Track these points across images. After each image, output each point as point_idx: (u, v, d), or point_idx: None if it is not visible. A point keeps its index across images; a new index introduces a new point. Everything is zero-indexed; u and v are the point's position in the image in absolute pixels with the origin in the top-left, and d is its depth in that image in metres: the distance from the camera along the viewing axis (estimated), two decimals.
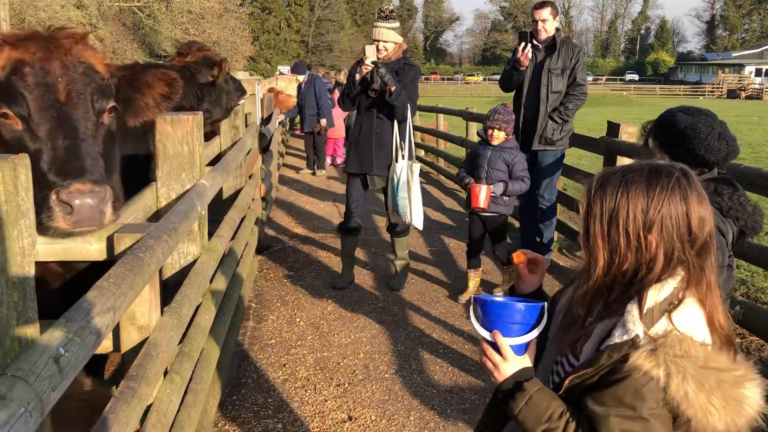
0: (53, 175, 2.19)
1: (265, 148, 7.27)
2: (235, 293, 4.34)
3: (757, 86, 56.78)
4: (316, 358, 4.30)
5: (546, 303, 1.61)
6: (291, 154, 15.10)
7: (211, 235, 3.70)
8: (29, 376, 1.18)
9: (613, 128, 5.81)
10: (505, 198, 5.21)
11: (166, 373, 2.51)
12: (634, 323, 1.39)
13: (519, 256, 1.78)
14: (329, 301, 5.34)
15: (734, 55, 77.03)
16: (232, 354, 4.18)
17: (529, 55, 5.70)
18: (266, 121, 9.23)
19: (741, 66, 69.20)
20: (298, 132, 17.90)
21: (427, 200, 9.57)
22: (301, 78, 12.54)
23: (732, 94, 55.75)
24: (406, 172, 5.24)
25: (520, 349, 1.56)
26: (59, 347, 1.31)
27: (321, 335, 4.67)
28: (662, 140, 2.51)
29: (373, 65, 4.99)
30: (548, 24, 5.75)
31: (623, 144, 5.59)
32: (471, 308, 1.63)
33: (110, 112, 2.39)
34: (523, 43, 5.68)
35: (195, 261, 3.26)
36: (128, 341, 2.25)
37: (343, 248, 5.70)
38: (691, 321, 1.40)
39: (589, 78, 61.71)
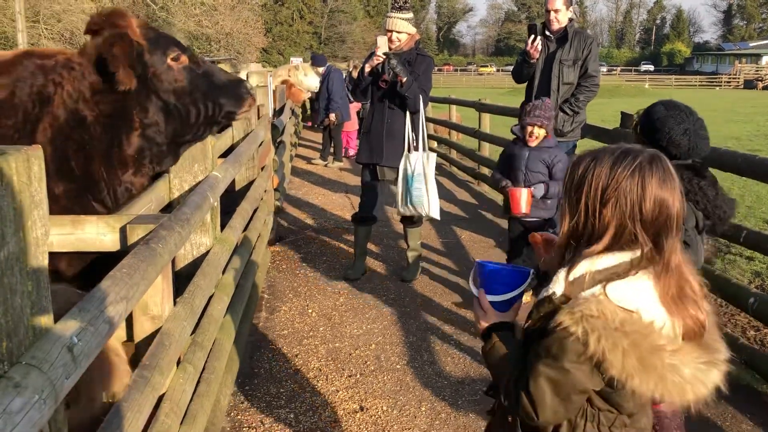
0: (237, 80, 3.06)
1: (277, 140, 7.29)
2: (248, 284, 4.37)
3: None
4: (328, 349, 4.32)
5: (532, 270, 1.79)
6: (303, 145, 15.12)
7: (223, 226, 3.73)
8: (43, 365, 1.20)
9: (627, 119, 5.76)
10: (547, 201, 4.70)
11: (179, 362, 2.54)
12: (555, 283, 1.55)
13: (535, 237, 1.92)
14: (341, 293, 5.36)
15: (751, 45, 76.12)
16: (245, 344, 4.21)
17: (539, 47, 5.66)
18: (278, 112, 9.26)
19: (758, 56, 68.35)
20: (308, 124, 17.93)
21: (440, 192, 9.41)
22: (321, 70, 12.46)
23: (749, 84, 55.04)
24: (422, 163, 5.23)
25: (503, 306, 1.77)
26: (72, 336, 1.33)
27: (333, 326, 4.69)
28: (641, 129, 2.77)
29: (384, 56, 4.98)
30: (561, 14, 5.70)
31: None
32: (472, 270, 1.87)
33: None
34: (532, 36, 5.65)
35: (208, 252, 3.28)
36: (141, 331, 2.28)
37: (356, 239, 5.71)
38: (628, 292, 1.48)
39: (604, 69, 61.35)
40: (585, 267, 1.53)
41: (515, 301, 1.78)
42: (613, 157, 1.54)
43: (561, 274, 1.55)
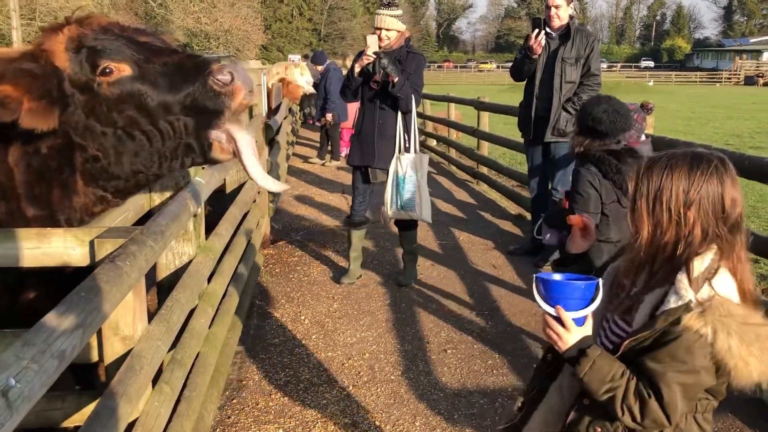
0: (195, 75, 2.13)
1: (271, 140, 7.12)
2: (237, 291, 4.22)
3: None
4: (320, 359, 4.16)
5: (600, 279, 1.77)
6: (301, 143, 14.96)
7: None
8: None
9: None
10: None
11: (156, 383, 2.39)
12: (686, 290, 1.59)
13: (574, 220, 2.01)
14: (335, 298, 5.20)
15: (752, 41, 75.86)
16: (233, 354, 4.06)
17: (543, 42, 5.50)
18: (274, 111, 9.09)
19: (759, 52, 68.12)
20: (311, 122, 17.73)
21: (438, 191, 9.39)
22: (320, 68, 12.26)
23: (749, 80, 54.85)
24: (414, 165, 5.07)
25: (580, 321, 1.74)
26: (9, 378, 1.18)
27: (326, 334, 4.54)
28: (576, 119, 3.40)
29: (375, 56, 4.82)
30: (562, 11, 5.55)
31: None
32: (534, 286, 1.78)
33: None
34: (536, 30, 5.48)
35: (190, 262, 3.13)
36: (111, 353, 2.12)
37: (350, 243, 5.56)
38: (727, 286, 1.61)
39: (604, 65, 61.11)
40: (697, 268, 1.62)
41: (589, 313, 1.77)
42: (687, 162, 1.65)
43: (684, 281, 1.61)
